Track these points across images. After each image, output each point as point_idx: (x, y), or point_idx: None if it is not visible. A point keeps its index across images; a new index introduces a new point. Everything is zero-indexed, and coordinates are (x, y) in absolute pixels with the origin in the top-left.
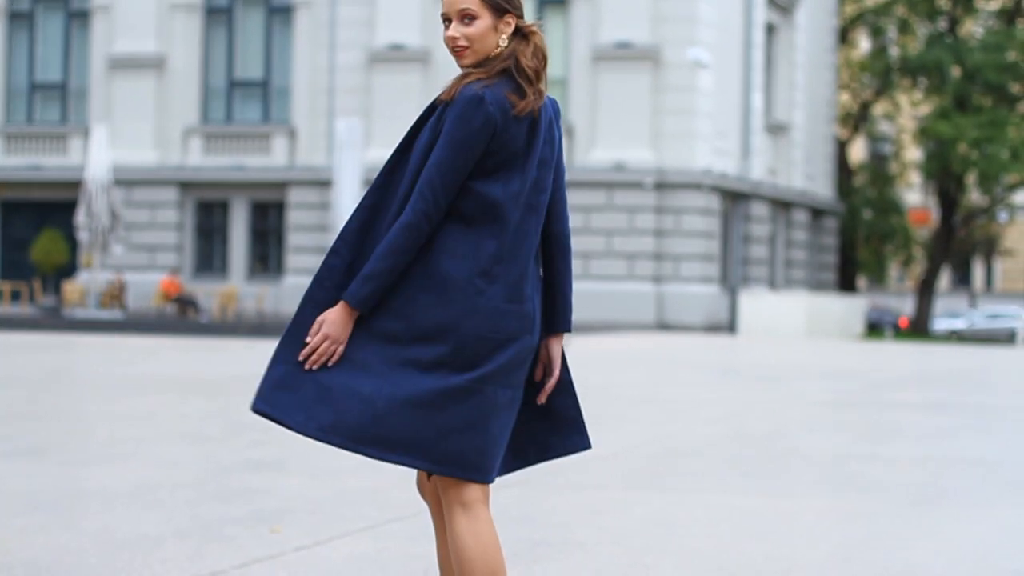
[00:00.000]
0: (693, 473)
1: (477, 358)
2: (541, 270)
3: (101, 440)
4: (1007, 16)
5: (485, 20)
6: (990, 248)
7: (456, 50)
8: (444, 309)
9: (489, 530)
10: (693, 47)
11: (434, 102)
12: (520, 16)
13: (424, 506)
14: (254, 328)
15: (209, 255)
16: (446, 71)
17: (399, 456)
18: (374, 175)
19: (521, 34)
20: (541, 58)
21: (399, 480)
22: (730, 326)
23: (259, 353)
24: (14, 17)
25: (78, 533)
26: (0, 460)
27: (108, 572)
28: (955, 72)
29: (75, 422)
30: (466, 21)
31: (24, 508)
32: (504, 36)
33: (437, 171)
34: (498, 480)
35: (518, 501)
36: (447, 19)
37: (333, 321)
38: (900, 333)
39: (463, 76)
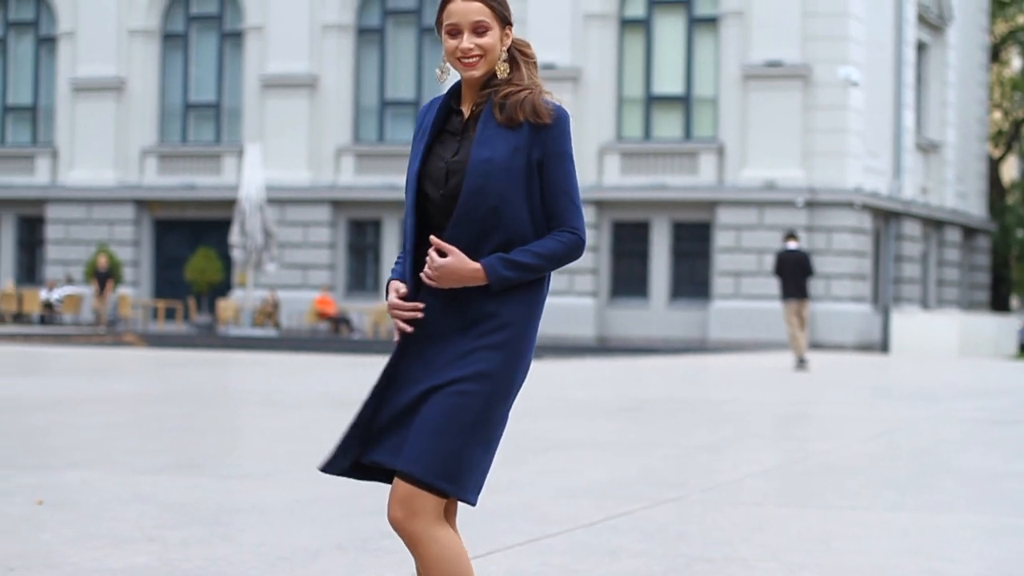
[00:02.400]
0: (848, 490)
1: None
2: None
3: (257, 455)
4: None
5: (495, 31)
6: None
7: (469, 60)
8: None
9: None
10: (844, 66)
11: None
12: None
13: (583, 520)
14: None
15: (362, 273)
16: (597, 90)
17: None
18: None
19: (515, 47)
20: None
21: (554, 495)
22: (882, 345)
23: None
24: (168, 38)
25: (237, 546)
26: (159, 474)
27: None
28: None
29: (231, 437)
30: (479, 32)
31: (184, 521)
32: (504, 48)
33: (576, 190)
34: (655, 496)
35: (677, 518)
36: (456, 31)
37: (458, 271)
38: None
39: (519, 89)
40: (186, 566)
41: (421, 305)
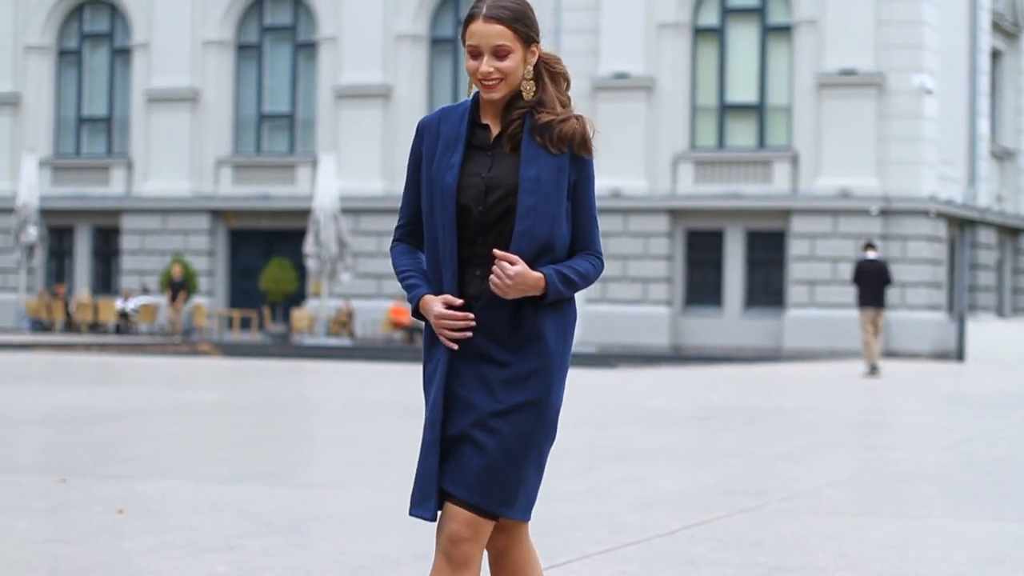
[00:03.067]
0: (926, 499)
1: None
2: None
3: (334, 464)
4: None
5: (518, 53)
6: None
7: (489, 83)
8: None
9: None
10: (918, 74)
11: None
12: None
13: (660, 530)
14: None
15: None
16: (671, 99)
17: None
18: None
19: (542, 63)
20: (568, 87)
21: (631, 505)
22: (958, 354)
23: None
24: (243, 49)
25: (316, 554)
26: (238, 483)
27: None
28: None
29: (308, 446)
30: (500, 56)
31: (263, 530)
32: (530, 66)
33: (596, 213)
34: (733, 505)
35: (755, 527)
36: (477, 53)
37: (526, 280)
38: None
39: (565, 119)
40: (267, 575)
41: (472, 316)
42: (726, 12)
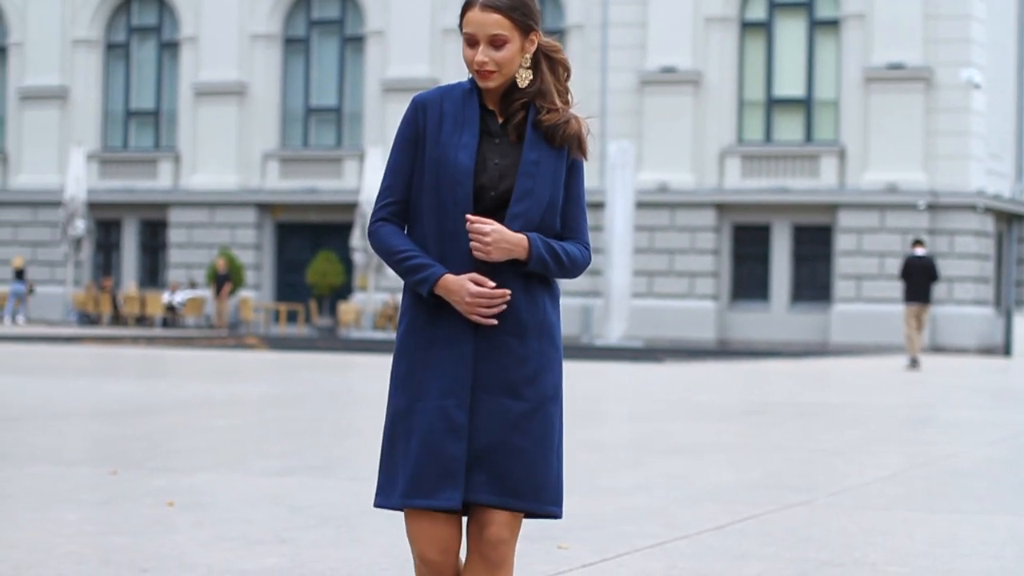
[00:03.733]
0: (975, 494)
1: None
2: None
3: None
4: None
5: (515, 43)
6: None
7: (483, 73)
8: None
9: None
10: (966, 68)
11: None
12: (539, 30)
13: (709, 524)
14: None
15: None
16: (718, 93)
17: None
18: (645, 197)
19: (542, 50)
20: (568, 77)
21: (680, 499)
22: (1005, 349)
23: None
24: (290, 43)
25: (368, 547)
26: (287, 476)
27: None
28: None
29: (357, 440)
30: (496, 45)
31: (314, 522)
32: (528, 55)
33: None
34: (782, 500)
35: (805, 522)
36: (473, 41)
37: (506, 238)
38: None
39: (566, 120)
40: (318, 567)
41: (509, 291)
42: (774, 6)
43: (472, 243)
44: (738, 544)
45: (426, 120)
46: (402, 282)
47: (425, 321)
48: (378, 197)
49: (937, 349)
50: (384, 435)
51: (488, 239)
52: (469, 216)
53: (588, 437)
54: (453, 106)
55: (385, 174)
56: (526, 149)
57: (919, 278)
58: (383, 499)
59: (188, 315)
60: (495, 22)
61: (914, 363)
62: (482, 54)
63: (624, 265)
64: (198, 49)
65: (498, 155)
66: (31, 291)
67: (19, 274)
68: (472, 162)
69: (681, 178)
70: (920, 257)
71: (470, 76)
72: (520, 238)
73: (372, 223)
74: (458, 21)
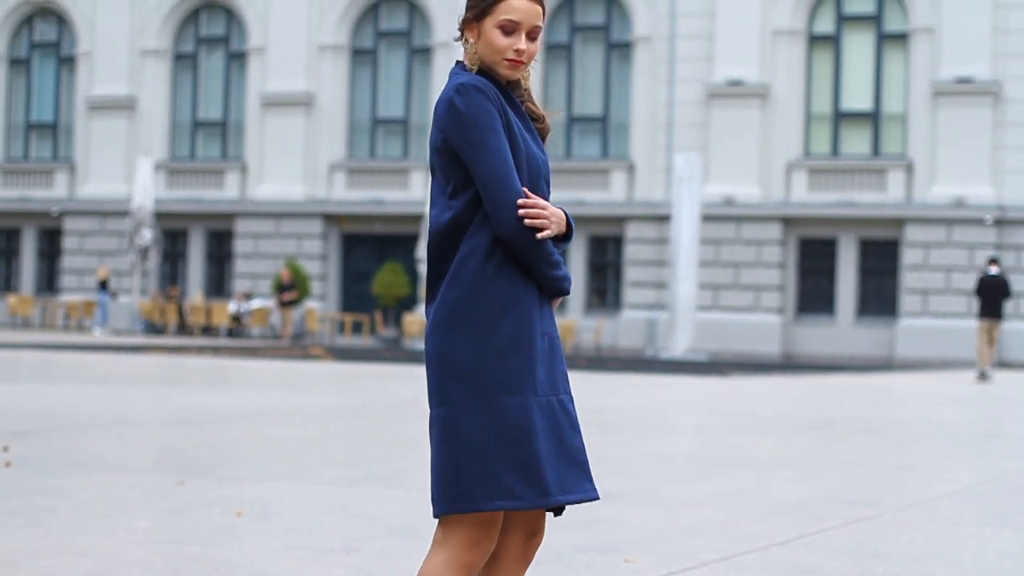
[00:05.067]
0: None
1: None
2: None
3: None
4: None
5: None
6: None
7: (518, 64)
8: None
9: None
10: None
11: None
12: None
13: (777, 538)
14: (592, 361)
15: None
16: (785, 106)
17: None
18: (711, 210)
19: None
20: None
21: (748, 513)
22: None
23: (596, 385)
24: (357, 54)
25: None
26: (354, 486)
27: None
28: None
29: (422, 450)
30: (533, 37)
31: (380, 532)
32: None
33: None
34: (849, 514)
35: (872, 536)
36: (513, 29)
37: (554, 211)
38: None
39: (544, 126)
40: None
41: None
42: (842, 19)
43: (538, 218)
44: (805, 559)
45: (503, 111)
46: None
47: (530, 318)
48: (506, 182)
49: (1004, 364)
50: (492, 436)
51: (545, 211)
52: (528, 192)
53: (654, 449)
54: (501, 98)
55: (496, 158)
56: (540, 150)
57: (992, 295)
58: (514, 501)
59: (254, 325)
60: (538, 14)
61: (983, 376)
62: (524, 43)
63: (689, 278)
64: (266, 60)
65: (539, 148)
66: (114, 296)
67: (103, 285)
68: (545, 156)
69: (747, 191)
70: (994, 276)
71: (473, 66)
72: (560, 212)
73: (517, 218)
74: (484, 3)
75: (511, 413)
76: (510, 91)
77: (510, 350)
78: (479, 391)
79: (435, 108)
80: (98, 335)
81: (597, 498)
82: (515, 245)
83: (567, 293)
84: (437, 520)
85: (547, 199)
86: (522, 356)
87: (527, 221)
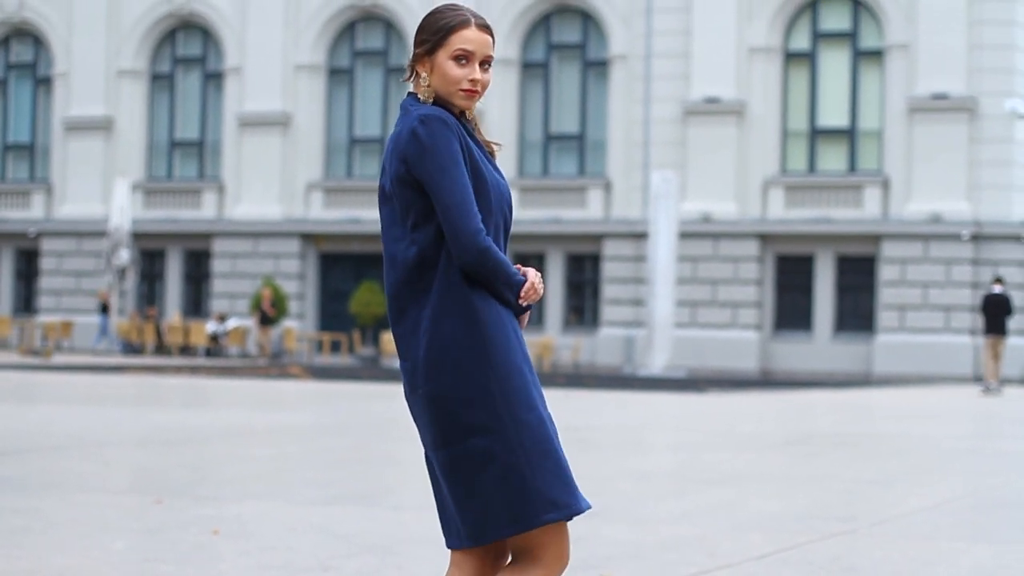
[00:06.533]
0: (1020, 525)
1: None
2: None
3: (426, 487)
4: None
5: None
6: None
7: (474, 94)
8: None
9: None
10: (1010, 98)
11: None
12: None
13: (753, 553)
14: (570, 379)
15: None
16: (761, 123)
17: None
18: (688, 227)
19: None
20: None
21: (724, 528)
22: None
23: (574, 403)
24: (334, 74)
25: None
26: (331, 505)
27: None
28: None
29: (400, 469)
30: (485, 67)
31: (356, 551)
32: None
33: None
34: (825, 529)
35: (848, 551)
36: (466, 58)
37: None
38: None
39: (492, 150)
40: None
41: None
42: (817, 36)
43: (540, 288)
44: (780, 573)
45: (464, 141)
46: None
47: (516, 338)
48: (466, 213)
49: (980, 379)
50: (526, 447)
51: (537, 284)
52: (520, 268)
53: (631, 466)
54: (461, 129)
55: (457, 189)
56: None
57: (995, 312)
58: (557, 512)
59: (232, 344)
60: (490, 44)
61: (988, 389)
62: (479, 73)
63: (667, 295)
64: (242, 80)
65: (500, 176)
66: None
67: (104, 308)
68: (505, 181)
69: (724, 208)
70: (996, 294)
71: (428, 99)
72: (534, 271)
73: (480, 239)
74: (435, 39)
75: (534, 429)
76: (463, 121)
77: (508, 375)
78: (496, 417)
79: (395, 139)
80: (105, 352)
81: (590, 507)
82: (476, 273)
83: (529, 310)
84: (459, 549)
85: (509, 224)
86: (521, 376)
87: (523, 302)
